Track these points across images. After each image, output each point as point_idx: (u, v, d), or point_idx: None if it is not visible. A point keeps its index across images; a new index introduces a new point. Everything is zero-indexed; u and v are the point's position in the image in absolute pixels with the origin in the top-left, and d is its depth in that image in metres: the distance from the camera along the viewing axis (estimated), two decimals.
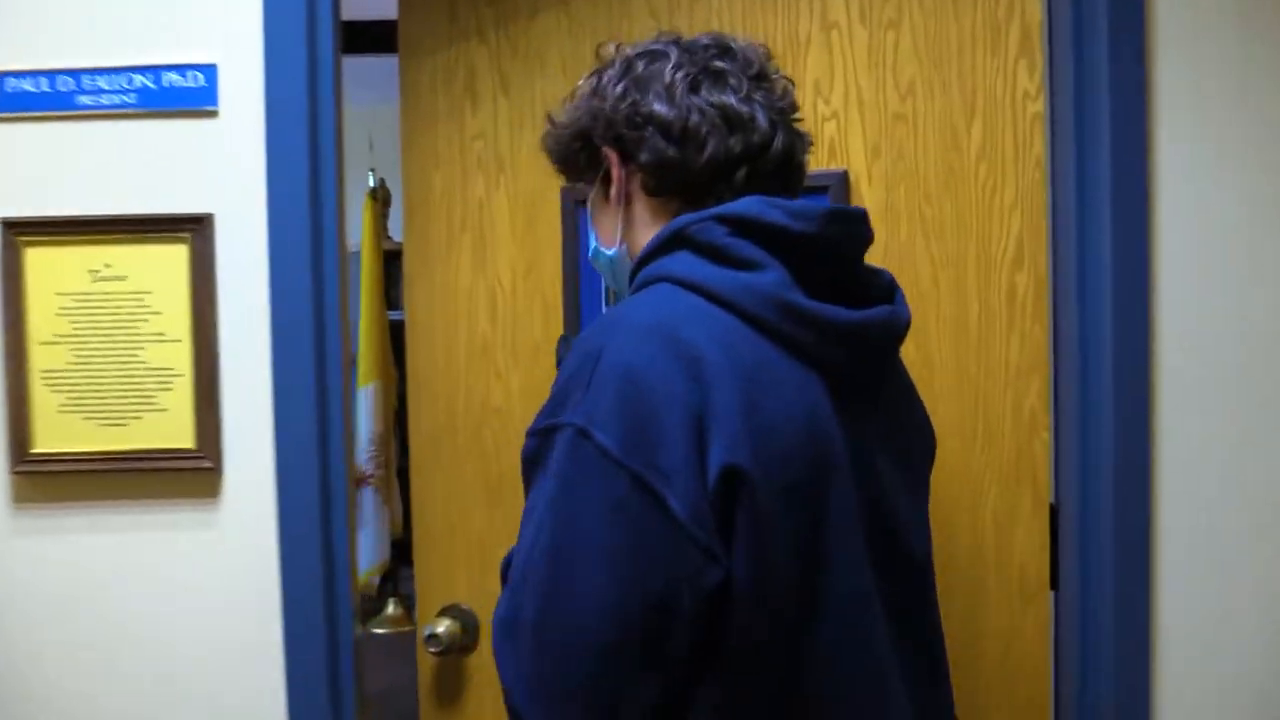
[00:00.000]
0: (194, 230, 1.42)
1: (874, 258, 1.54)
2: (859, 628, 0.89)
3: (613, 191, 0.99)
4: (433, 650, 1.56)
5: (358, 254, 4.90)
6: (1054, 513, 1.55)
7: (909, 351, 1.56)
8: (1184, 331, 1.43)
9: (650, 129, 0.94)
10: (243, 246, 1.44)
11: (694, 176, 0.93)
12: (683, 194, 0.95)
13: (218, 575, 1.44)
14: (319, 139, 1.41)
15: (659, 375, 0.80)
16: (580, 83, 1.03)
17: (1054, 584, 1.56)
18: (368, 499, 4.74)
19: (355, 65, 4.62)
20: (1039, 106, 1.52)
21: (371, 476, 4.76)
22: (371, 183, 5.04)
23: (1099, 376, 1.43)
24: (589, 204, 1.06)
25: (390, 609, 5.00)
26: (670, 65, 0.95)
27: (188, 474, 1.43)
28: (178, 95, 1.43)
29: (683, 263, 0.89)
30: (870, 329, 0.91)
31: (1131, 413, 1.42)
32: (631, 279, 0.96)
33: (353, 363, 4.90)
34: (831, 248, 0.91)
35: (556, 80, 1.62)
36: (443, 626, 1.57)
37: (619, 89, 0.96)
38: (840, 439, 0.88)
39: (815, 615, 0.86)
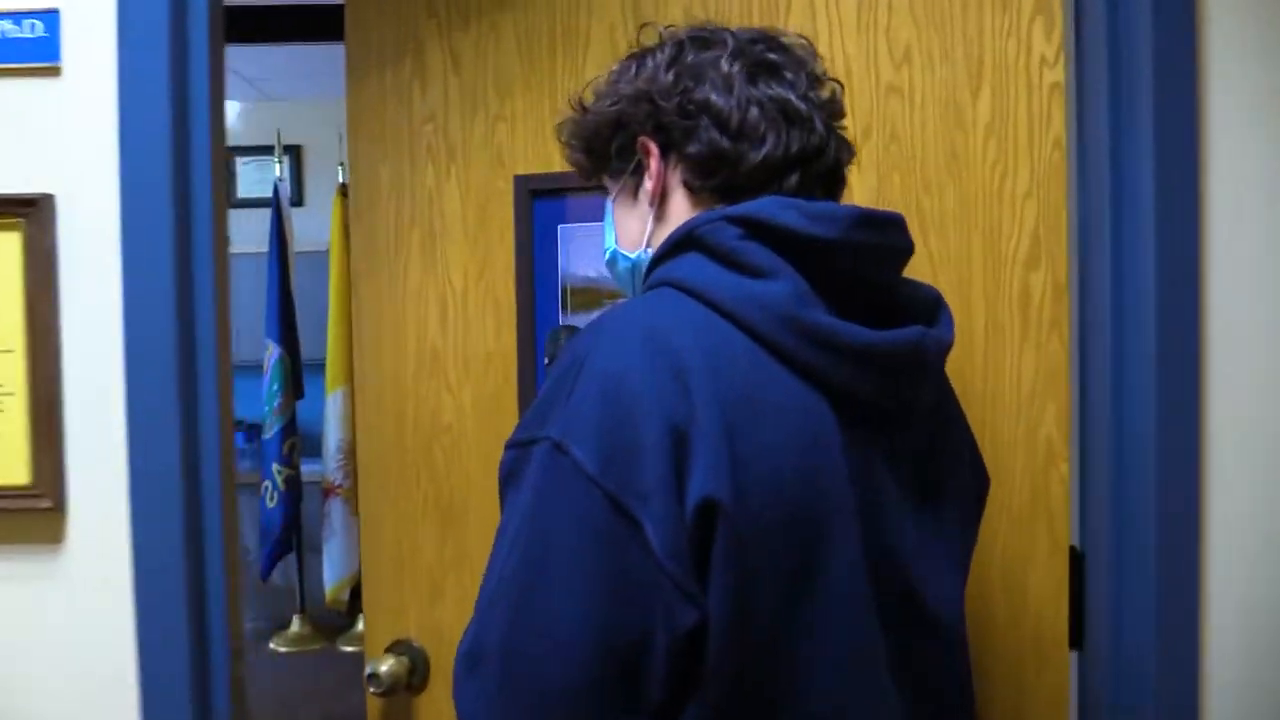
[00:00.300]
0: (29, 215, 1.17)
1: None
2: (859, 693, 0.82)
3: (648, 186, 0.93)
4: (373, 690, 1.45)
5: (326, 253, 4.70)
6: (1075, 557, 1.30)
7: None
8: (1244, 346, 1.21)
9: (704, 119, 0.89)
10: (91, 236, 1.18)
11: (746, 174, 0.89)
12: (728, 194, 0.89)
13: (61, 635, 1.20)
14: (189, 105, 1.16)
15: (643, 387, 0.76)
16: (615, 66, 0.97)
17: (1075, 642, 1.32)
18: (336, 510, 4.58)
19: (326, 52, 4.40)
20: (1058, 75, 1.29)
21: (340, 487, 4.59)
22: (341, 178, 4.82)
23: (1139, 399, 1.19)
24: (611, 202, 1.00)
25: (359, 625, 4.79)
26: (727, 54, 0.90)
27: (22, 515, 1.19)
28: (10, 48, 1.18)
29: (690, 267, 0.84)
30: (894, 352, 0.83)
31: (1179, 441, 1.19)
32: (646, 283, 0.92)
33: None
34: (856, 256, 0.84)
35: (510, 57, 1.50)
36: (385, 665, 1.46)
37: (670, 75, 0.90)
38: (846, 476, 0.81)
39: (807, 677, 0.79)
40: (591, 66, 1.46)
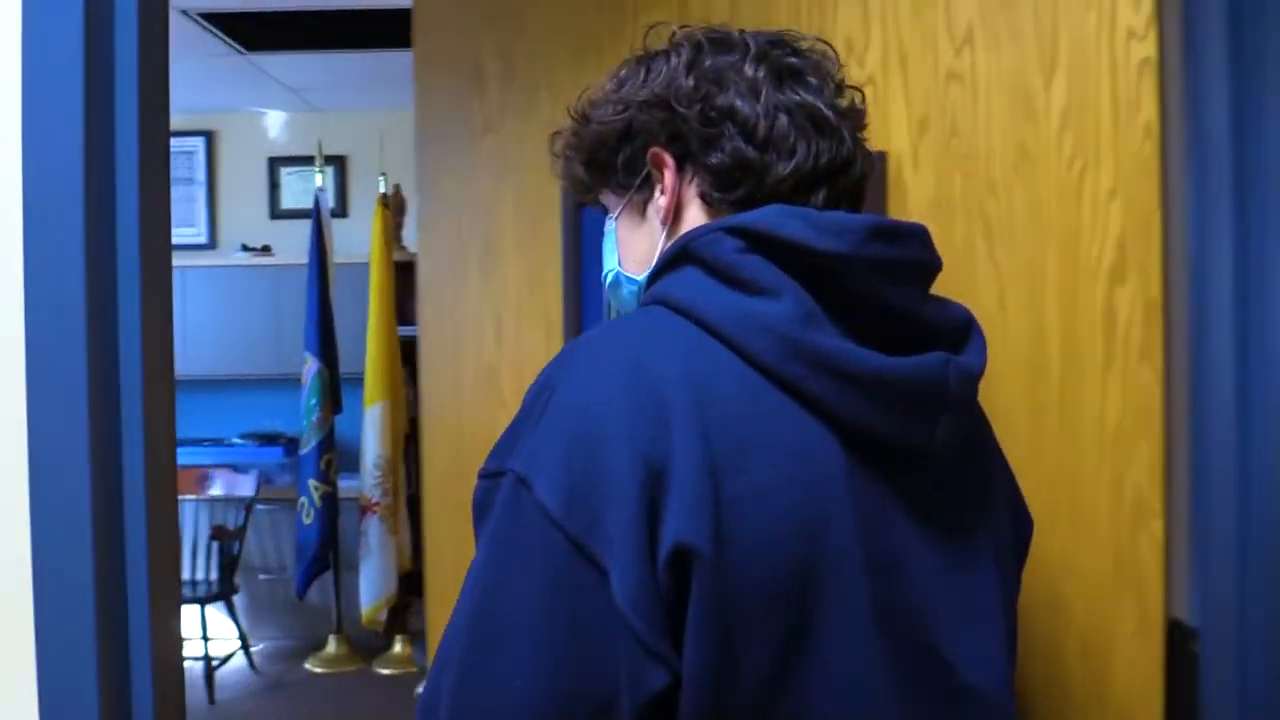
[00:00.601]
0: None
1: None
2: None
3: (661, 202, 0.86)
4: None
5: (367, 265, 4.60)
6: (1183, 635, 1.08)
7: None
8: None
9: (728, 127, 0.82)
10: None
11: (771, 186, 0.82)
12: (749, 207, 0.81)
13: None
14: (114, 41, 0.94)
15: (616, 417, 0.70)
16: (620, 72, 0.89)
17: None
18: (373, 528, 4.47)
19: (370, 61, 4.32)
20: (1149, 49, 1.09)
21: (378, 504, 4.48)
22: (383, 188, 4.73)
23: (1270, 443, 0.96)
24: (614, 219, 0.92)
25: (397, 647, 4.68)
26: (749, 58, 0.84)
27: None
28: None
29: (685, 283, 0.78)
30: (911, 381, 0.76)
31: None
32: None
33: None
34: (870, 272, 0.77)
35: (560, 61, 1.46)
36: None
37: (690, 80, 0.83)
38: (853, 523, 0.73)
39: None
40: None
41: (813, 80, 0.84)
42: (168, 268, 1.04)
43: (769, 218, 0.76)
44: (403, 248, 4.89)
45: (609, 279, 0.94)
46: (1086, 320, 1.12)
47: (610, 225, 0.93)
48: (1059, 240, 1.13)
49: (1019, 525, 0.92)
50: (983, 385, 1.18)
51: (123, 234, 0.96)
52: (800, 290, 0.74)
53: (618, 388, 0.72)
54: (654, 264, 0.85)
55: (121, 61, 0.95)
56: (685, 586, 0.68)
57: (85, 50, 0.92)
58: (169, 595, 0.98)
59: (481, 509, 0.75)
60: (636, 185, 0.88)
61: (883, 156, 1.26)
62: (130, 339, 0.96)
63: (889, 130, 1.26)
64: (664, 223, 0.86)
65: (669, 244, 0.84)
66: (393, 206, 4.83)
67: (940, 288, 1.21)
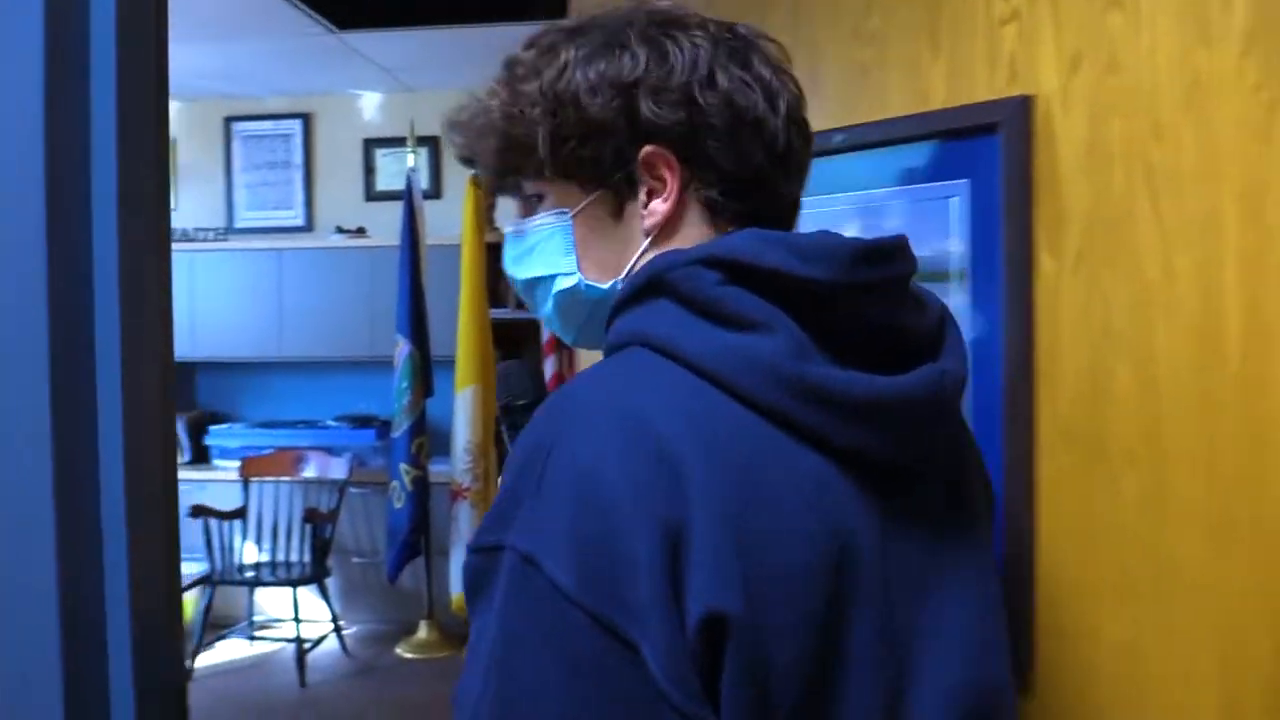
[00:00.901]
0: None
1: (1069, 230, 1.08)
2: None
3: (657, 207, 0.80)
4: None
5: (458, 247, 4.55)
6: None
7: (1117, 386, 1.03)
8: None
9: (750, 133, 0.79)
10: None
11: (781, 203, 0.82)
12: (752, 221, 0.79)
13: None
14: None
15: (624, 480, 0.67)
16: (620, 57, 0.79)
17: None
18: (464, 514, 4.42)
19: (460, 37, 4.26)
20: None
21: (468, 490, 4.43)
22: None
23: None
24: (573, 220, 0.83)
25: None
26: (760, 59, 0.80)
27: None
28: None
29: (662, 318, 0.74)
30: (907, 400, 0.73)
31: None
32: (608, 330, 0.81)
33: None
34: (861, 297, 0.75)
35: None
36: None
37: (724, 78, 0.78)
38: (869, 550, 0.72)
39: None
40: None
41: (794, 88, 0.82)
42: (165, 247, 0.91)
43: (748, 246, 0.73)
44: (495, 228, 4.83)
45: (564, 286, 0.83)
46: (1275, 290, 0.93)
47: (563, 224, 0.83)
48: (1240, 191, 0.94)
49: (992, 504, 0.90)
50: (1144, 370, 1.00)
51: (99, 209, 0.83)
52: (789, 321, 0.72)
53: (619, 445, 0.68)
54: (621, 283, 0.80)
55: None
56: (719, 650, 0.67)
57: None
58: (163, 629, 0.84)
59: (476, 586, 0.71)
60: (614, 183, 0.81)
61: (1028, 101, 1.10)
62: (108, 325, 0.83)
63: (1036, 71, 1.11)
64: (651, 230, 0.80)
65: (644, 259, 0.79)
66: (485, 187, 4.77)
67: (1095, 250, 1.03)
